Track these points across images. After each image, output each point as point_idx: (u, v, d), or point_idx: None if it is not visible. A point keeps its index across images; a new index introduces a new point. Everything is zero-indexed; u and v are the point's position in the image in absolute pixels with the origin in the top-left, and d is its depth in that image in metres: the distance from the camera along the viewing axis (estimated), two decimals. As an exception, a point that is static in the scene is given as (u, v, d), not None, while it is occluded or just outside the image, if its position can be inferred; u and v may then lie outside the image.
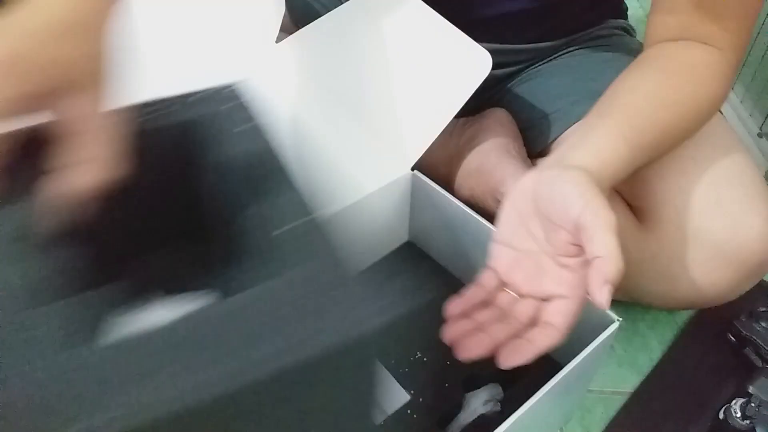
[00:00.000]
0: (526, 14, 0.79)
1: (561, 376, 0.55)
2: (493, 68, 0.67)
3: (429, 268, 0.77)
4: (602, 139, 0.56)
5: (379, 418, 0.64)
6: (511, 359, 0.51)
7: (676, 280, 0.68)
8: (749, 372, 0.74)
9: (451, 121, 0.68)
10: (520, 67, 0.86)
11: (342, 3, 0.79)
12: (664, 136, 0.61)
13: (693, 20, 0.62)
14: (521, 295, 0.54)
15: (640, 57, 0.66)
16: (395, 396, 0.65)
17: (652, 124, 0.59)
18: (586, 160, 0.54)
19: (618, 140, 0.56)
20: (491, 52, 0.67)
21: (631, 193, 0.70)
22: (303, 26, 0.80)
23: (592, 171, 0.52)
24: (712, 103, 0.63)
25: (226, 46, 0.81)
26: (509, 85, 0.86)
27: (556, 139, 0.81)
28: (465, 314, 0.55)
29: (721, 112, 0.70)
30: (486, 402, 0.64)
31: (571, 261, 0.52)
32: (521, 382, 0.66)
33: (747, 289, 0.68)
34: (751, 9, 0.62)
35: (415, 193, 0.73)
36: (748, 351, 0.77)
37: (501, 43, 0.77)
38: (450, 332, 0.53)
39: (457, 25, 0.69)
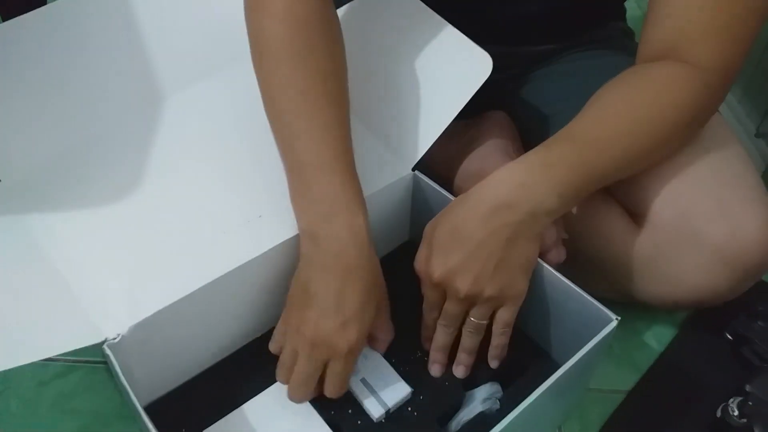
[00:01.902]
0: (531, 18, 0.79)
1: (559, 374, 0.56)
2: (496, 71, 0.68)
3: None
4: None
5: (380, 411, 0.64)
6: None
7: (674, 282, 0.68)
8: (747, 371, 0.75)
9: (452, 123, 0.69)
10: (521, 70, 0.86)
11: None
12: (622, 137, 0.61)
13: (678, 40, 0.62)
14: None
15: (611, 80, 0.66)
16: (397, 390, 0.65)
17: (601, 121, 0.61)
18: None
19: (559, 138, 0.61)
20: (495, 54, 0.67)
21: (628, 196, 0.70)
22: None
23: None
24: (679, 111, 0.62)
25: (226, 45, 0.81)
26: (510, 88, 0.87)
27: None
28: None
29: (719, 112, 0.70)
30: (485, 400, 0.65)
31: None
32: (520, 381, 0.67)
33: (745, 289, 0.68)
34: (741, 33, 0.61)
35: (416, 193, 0.74)
36: (746, 350, 0.77)
37: (505, 46, 0.77)
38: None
39: (462, 28, 0.70)
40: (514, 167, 0.60)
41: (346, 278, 0.58)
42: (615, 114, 0.62)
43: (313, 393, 0.62)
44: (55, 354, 0.55)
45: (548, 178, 0.59)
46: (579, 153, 0.60)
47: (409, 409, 0.65)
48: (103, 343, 0.57)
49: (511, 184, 0.59)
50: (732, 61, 0.62)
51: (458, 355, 0.66)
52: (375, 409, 0.64)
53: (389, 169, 0.71)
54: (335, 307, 0.58)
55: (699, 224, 0.65)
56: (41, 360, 0.70)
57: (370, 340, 0.66)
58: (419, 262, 0.63)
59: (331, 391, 0.61)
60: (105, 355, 0.57)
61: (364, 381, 0.65)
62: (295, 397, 0.62)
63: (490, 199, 0.59)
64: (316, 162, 0.60)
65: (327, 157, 0.60)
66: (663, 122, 0.62)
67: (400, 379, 0.66)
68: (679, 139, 0.65)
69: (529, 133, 0.84)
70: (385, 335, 0.66)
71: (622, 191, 0.70)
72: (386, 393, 0.65)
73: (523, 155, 0.62)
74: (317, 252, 0.59)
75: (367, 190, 0.68)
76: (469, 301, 0.61)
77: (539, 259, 0.63)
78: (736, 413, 0.70)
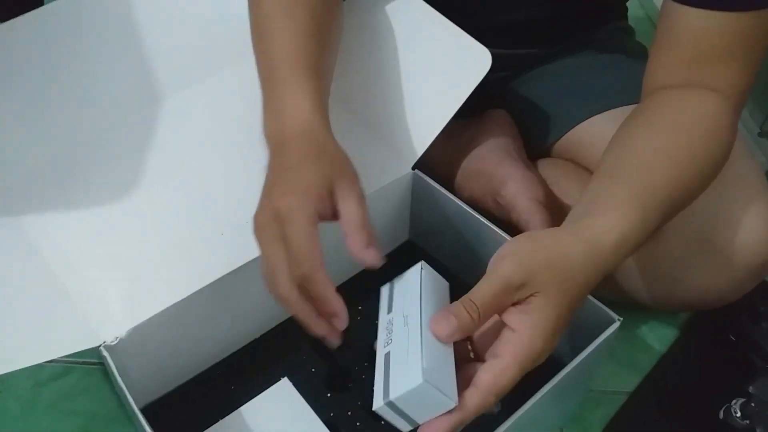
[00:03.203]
0: (531, 22, 0.79)
1: (561, 375, 0.55)
2: (496, 71, 0.67)
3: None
4: (611, 203, 0.53)
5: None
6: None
7: (676, 283, 0.68)
8: (749, 372, 0.74)
9: (451, 122, 0.68)
10: (522, 70, 0.86)
11: None
12: (680, 194, 0.56)
13: (695, 61, 0.60)
14: (478, 356, 0.51)
15: (645, 106, 0.62)
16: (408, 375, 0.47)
17: (665, 182, 0.55)
18: (583, 227, 0.51)
19: (628, 204, 0.52)
20: (495, 57, 0.67)
21: None
22: None
23: (587, 238, 0.50)
24: (724, 155, 0.59)
25: (224, 45, 0.81)
26: (510, 86, 0.86)
27: (557, 140, 0.81)
28: None
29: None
30: (486, 401, 0.64)
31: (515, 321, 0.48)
32: (522, 382, 0.66)
33: (748, 290, 0.68)
34: (755, 50, 0.59)
35: (416, 192, 0.74)
36: (749, 351, 0.77)
37: (504, 49, 0.77)
38: None
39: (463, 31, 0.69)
40: (621, 243, 0.51)
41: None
42: (680, 169, 0.56)
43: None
44: (53, 358, 0.55)
45: (630, 254, 0.54)
46: (644, 221, 0.53)
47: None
48: (101, 346, 0.57)
49: (609, 260, 0.51)
50: (749, 83, 0.61)
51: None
52: (377, 399, 0.48)
53: (389, 168, 0.71)
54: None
55: (703, 224, 0.64)
56: (38, 361, 0.70)
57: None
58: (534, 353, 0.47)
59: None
60: (102, 357, 0.57)
61: (387, 357, 0.49)
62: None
63: (599, 273, 0.51)
64: (271, 66, 0.60)
65: (283, 60, 0.59)
66: (714, 170, 0.59)
67: (419, 361, 0.46)
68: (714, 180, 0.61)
69: (529, 131, 0.83)
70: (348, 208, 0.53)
71: None
72: (398, 378, 0.47)
73: (624, 220, 0.51)
74: (270, 155, 0.57)
75: (367, 190, 0.68)
76: None
77: None
78: (738, 414, 0.70)
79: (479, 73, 0.67)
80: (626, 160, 0.57)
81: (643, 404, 0.75)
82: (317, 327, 0.52)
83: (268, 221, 0.52)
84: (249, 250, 0.63)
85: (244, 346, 0.70)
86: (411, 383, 0.45)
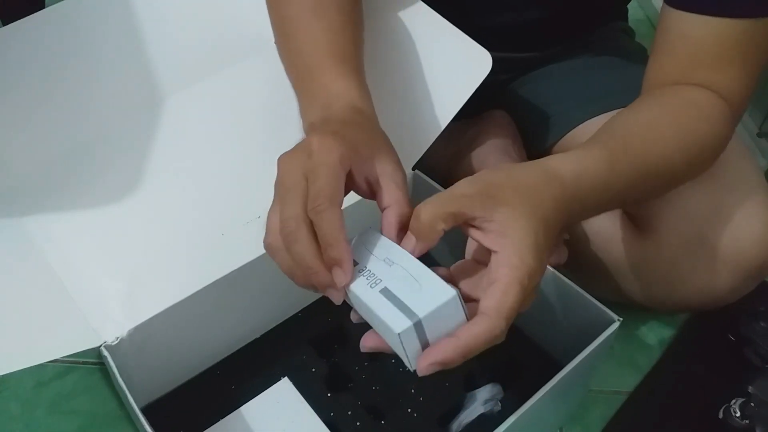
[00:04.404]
0: (532, 24, 0.79)
1: (561, 375, 0.55)
2: (497, 73, 0.67)
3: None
4: (580, 149, 0.53)
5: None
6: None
7: (675, 285, 0.68)
8: (748, 372, 0.74)
9: (451, 123, 0.68)
10: (522, 72, 0.86)
11: None
12: (658, 160, 0.55)
13: (693, 65, 0.59)
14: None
15: (640, 97, 0.62)
16: (434, 294, 0.44)
17: (640, 142, 0.55)
18: (543, 161, 0.51)
19: (594, 146, 0.52)
20: (496, 59, 0.67)
21: None
22: None
23: (547, 166, 0.50)
24: (718, 141, 0.59)
25: (225, 46, 0.81)
26: (510, 87, 0.87)
27: (556, 141, 0.81)
28: None
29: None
30: (486, 401, 0.64)
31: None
32: (521, 382, 0.66)
33: (747, 292, 0.68)
34: (753, 58, 0.59)
35: (417, 192, 0.73)
36: (748, 351, 0.77)
37: (504, 52, 0.77)
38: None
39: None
40: (580, 174, 0.50)
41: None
42: (661, 137, 0.56)
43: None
44: (55, 358, 0.55)
45: (601, 204, 0.54)
46: (612, 168, 0.52)
47: (409, 410, 0.65)
48: (101, 346, 0.57)
49: (570, 188, 0.50)
50: (747, 90, 0.60)
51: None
52: (398, 323, 0.42)
53: (389, 168, 0.71)
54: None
55: (700, 226, 0.64)
56: (39, 361, 0.70)
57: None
58: (529, 273, 0.44)
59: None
60: (102, 357, 0.57)
61: (386, 291, 0.45)
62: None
63: (565, 199, 0.49)
64: (310, 61, 0.58)
65: (322, 54, 0.58)
66: (703, 152, 0.59)
67: (440, 279, 0.44)
68: (707, 167, 0.61)
69: (529, 132, 0.84)
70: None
71: None
72: (417, 300, 0.43)
73: (586, 155, 0.52)
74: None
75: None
76: None
77: None
78: (738, 414, 0.70)
79: (480, 75, 0.67)
80: (608, 128, 0.57)
81: (642, 404, 0.75)
82: (322, 275, 0.45)
83: (296, 154, 0.47)
84: (249, 250, 0.63)
85: (244, 346, 0.70)
86: (441, 297, 0.42)
